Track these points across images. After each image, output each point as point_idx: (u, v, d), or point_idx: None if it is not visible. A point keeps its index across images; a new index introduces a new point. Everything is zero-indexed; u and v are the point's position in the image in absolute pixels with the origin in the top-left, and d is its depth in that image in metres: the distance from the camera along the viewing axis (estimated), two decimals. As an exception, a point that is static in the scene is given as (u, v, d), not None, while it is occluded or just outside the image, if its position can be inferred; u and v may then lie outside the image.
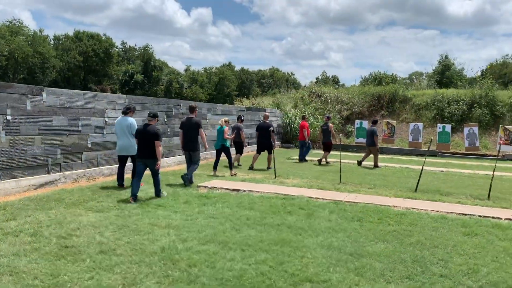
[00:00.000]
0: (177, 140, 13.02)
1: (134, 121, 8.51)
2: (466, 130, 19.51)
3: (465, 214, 7.11)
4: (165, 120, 12.55)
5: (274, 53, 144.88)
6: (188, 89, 65.16)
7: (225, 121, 11.16)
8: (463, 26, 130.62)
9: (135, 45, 69.84)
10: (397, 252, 5.28)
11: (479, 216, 7.05)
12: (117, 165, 9.24)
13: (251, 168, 12.20)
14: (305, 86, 30.43)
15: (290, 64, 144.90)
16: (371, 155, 14.33)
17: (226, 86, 70.07)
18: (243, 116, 13.60)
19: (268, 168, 12.30)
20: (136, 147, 7.88)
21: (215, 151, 10.91)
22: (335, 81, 65.09)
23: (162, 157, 11.24)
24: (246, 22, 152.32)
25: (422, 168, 10.25)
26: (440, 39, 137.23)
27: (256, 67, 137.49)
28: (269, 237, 5.69)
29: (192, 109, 9.29)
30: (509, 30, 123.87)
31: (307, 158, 15.02)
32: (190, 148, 9.08)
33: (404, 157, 18.20)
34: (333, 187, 9.51)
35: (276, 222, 6.51)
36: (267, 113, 13.16)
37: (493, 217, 6.97)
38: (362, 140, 20.79)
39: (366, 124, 21.29)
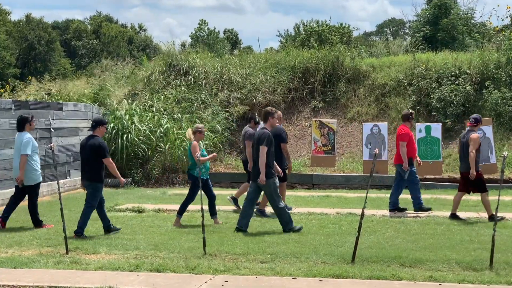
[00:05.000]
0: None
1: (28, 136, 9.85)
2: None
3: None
4: None
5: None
6: None
7: (194, 132, 10.24)
8: None
9: None
10: None
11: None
12: None
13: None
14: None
15: (140, 6, 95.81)
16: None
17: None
18: (259, 118, 11.40)
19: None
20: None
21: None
22: (233, 41, 44.63)
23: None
24: None
25: (363, 213, 7.34)
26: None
27: (64, 15, 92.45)
28: None
29: (266, 116, 9.62)
30: None
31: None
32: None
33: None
34: (185, 265, 7.47)
35: None
36: (270, 110, 10.40)
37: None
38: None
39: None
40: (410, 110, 11.65)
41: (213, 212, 10.01)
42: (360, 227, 7.41)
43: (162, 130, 15.93)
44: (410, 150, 10.85)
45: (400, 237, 8.93)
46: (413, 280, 6.52)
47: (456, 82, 17.57)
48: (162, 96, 17.49)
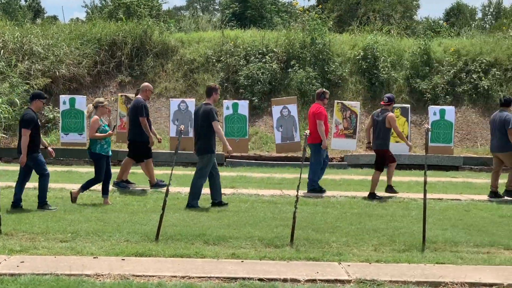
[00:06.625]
0: None
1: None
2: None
3: (233, 279, 5.98)
4: None
5: None
6: None
7: (95, 107, 10.14)
8: None
9: None
10: None
11: (261, 280, 5.84)
12: None
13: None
14: None
15: None
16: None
17: None
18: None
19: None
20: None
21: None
22: (35, 9, 42.98)
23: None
24: None
25: (167, 190, 7.64)
26: None
27: None
28: None
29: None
30: None
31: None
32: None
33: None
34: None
35: None
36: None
37: (284, 279, 5.90)
38: (74, 137, 15.63)
39: (83, 102, 15.91)
40: (324, 89, 11.58)
41: (105, 191, 9.77)
42: (164, 204, 7.39)
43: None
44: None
45: (205, 215, 8.98)
46: (216, 257, 6.67)
47: (263, 60, 18.16)
48: None
